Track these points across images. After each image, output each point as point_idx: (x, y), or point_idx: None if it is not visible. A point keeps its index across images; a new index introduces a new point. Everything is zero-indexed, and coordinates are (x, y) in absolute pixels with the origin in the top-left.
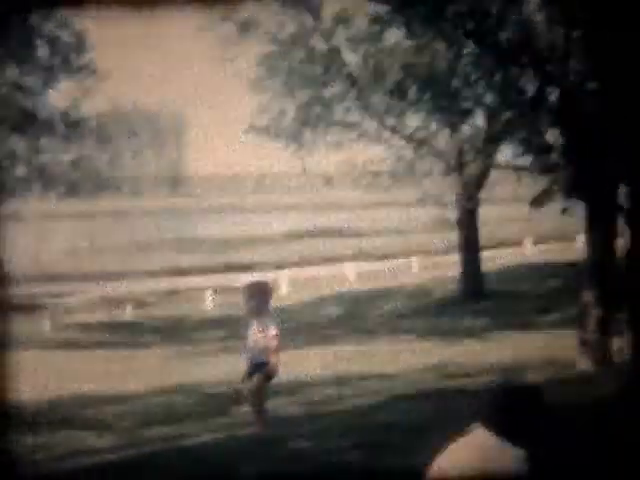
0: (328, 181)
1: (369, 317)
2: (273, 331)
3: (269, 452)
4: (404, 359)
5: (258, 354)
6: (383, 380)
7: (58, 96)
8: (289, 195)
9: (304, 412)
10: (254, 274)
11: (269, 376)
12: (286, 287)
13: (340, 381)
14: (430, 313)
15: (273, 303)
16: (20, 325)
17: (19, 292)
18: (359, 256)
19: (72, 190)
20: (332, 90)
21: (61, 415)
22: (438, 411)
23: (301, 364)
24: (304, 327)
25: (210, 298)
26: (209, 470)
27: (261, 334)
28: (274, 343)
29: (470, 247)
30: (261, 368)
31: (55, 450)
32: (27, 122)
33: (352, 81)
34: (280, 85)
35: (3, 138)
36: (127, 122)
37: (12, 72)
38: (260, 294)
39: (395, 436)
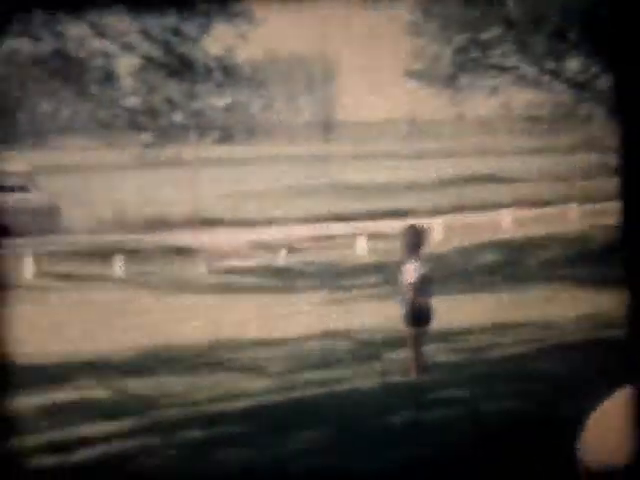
0: (483, 126)
1: (525, 264)
2: (409, 278)
3: (420, 399)
4: (560, 307)
5: (401, 298)
6: (539, 328)
7: (214, 42)
8: (443, 141)
9: (459, 359)
10: (408, 220)
11: (419, 322)
12: (441, 234)
13: (495, 328)
14: (589, 261)
15: (428, 249)
16: (177, 269)
17: (176, 236)
18: (515, 203)
19: (227, 136)
20: (489, 33)
21: (219, 358)
22: (592, 362)
23: (456, 311)
24: (459, 274)
25: (363, 244)
26: (360, 416)
27: (403, 277)
28: (407, 289)
29: None
30: (406, 313)
31: (214, 391)
32: (184, 68)
33: (510, 24)
34: (436, 29)
35: (161, 84)
36: (281, 68)
37: (171, 18)
38: (414, 238)
39: (549, 385)
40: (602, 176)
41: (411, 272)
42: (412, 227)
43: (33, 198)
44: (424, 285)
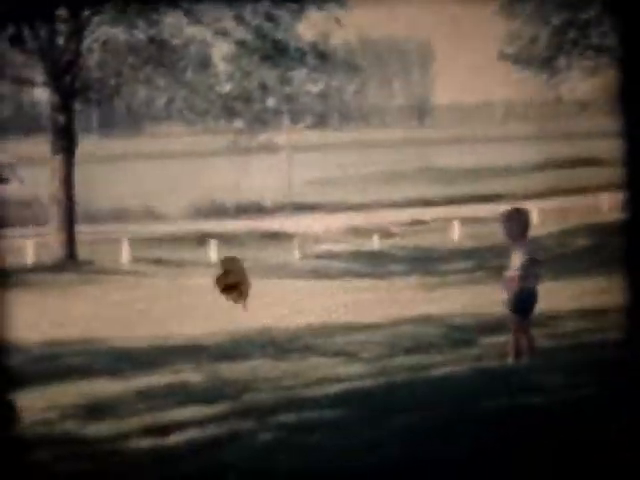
0: (583, 108)
1: (621, 249)
2: (516, 263)
3: (516, 385)
4: None
5: (506, 283)
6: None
7: (307, 27)
8: (539, 123)
9: (556, 345)
10: (502, 205)
11: (523, 308)
12: (536, 218)
13: (593, 314)
14: None
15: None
16: (270, 254)
17: (269, 221)
18: (614, 186)
19: (320, 121)
20: (588, 13)
21: (311, 342)
22: None
23: (553, 296)
24: (555, 258)
25: (457, 229)
26: (454, 401)
27: (511, 262)
28: (513, 275)
29: None
30: (511, 299)
31: (307, 376)
32: (278, 53)
33: (608, 3)
34: (532, 10)
35: (255, 70)
36: (375, 52)
37: (264, 4)
38: (518, 222)
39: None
40: None
41: (518, 257)
42: (516, 211)
43: (14, 189)
44: (530, 270)
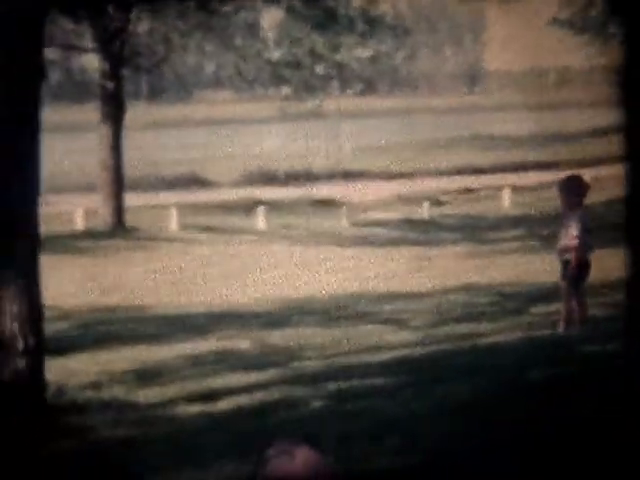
0: None
1: None
2: (574, 231)
3: (565, 354)
4: None
5: (563, 252)
6: None
7: None
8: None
9: (609, 314)
10: (553, 173)
11: (574, 276)
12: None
13: None
14: None
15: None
16: (319, 222)
17: (318, 189)
18: None
19: (369, 87)
20: None
21: (360, 310)
22: None
23: (606, 264)
24: (608, 227)
25: (507, 197)
26: (499, 370)
27: (565, 231)
28: (574, 243)
29: None
30: (566, 267)
31: (355, 343)
32: (327, 20)
33: None
34: None
35: (304, 36)
36: (425, 18)
37: None
38: (575, 189)
39: None
40: None
41: (575, 225)
42: (573, 178)
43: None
44: (585, 239)
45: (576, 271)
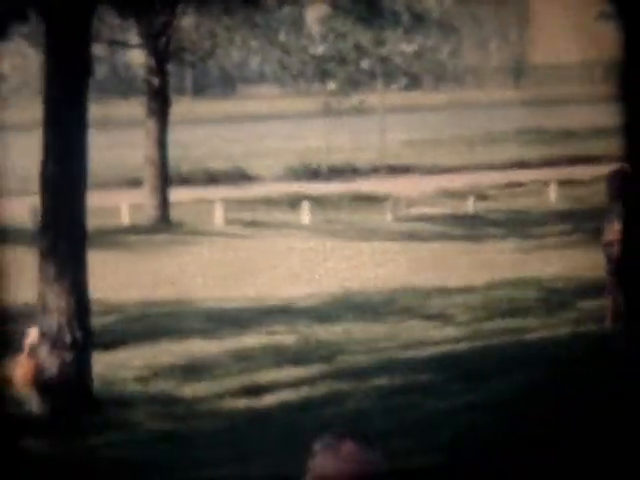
0: None
1: None
2: (617, 225)
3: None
4: None
5: (608, 246)
6: None
7: None
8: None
9: None
10: (600, 167)
11: (617, 269)
12: None
13: None
14: None
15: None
16: (363, 217)
17: (362, 184)
18: None
19: (414, 82)
20: None
21: (406, 305)
22: None
23: None
24: None
25: (554, 191)
26: (547, 365)
27: (610, 225)
28: (611, 237)
29: None
30: (611, 260)
31: (401, 339)
32: (372, 13)
33: None
34: None
35: (349, 31)
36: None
37: None
38: (617, 183)
39: None
40: None
41: (618, 219)
42: (618, 172)
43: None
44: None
45: (620, 265)
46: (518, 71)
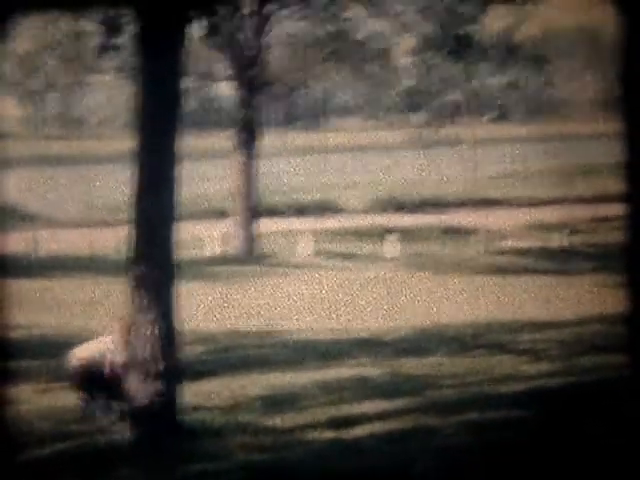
0: None
1: None
2: None
3: None
4: None
5: None
6: None
7: (493, 20)
8: None
9: None
10: None
11: None
12: None
13: None
14: None
15: None
16: (452, 249)
17: (452, 216)
18: None
19: (505, 114)
20: None
21: (496, 339)
22: None
23: None
24: None
25: None
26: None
27: None
28: None
29: None
30: None
31: (492, 373)
32: (462, 47)
33: None
34: None
35: (438, 64)
36: (564, 43)
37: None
38: None
39: None
40: None
41: None
42: None
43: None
44: None
45: None
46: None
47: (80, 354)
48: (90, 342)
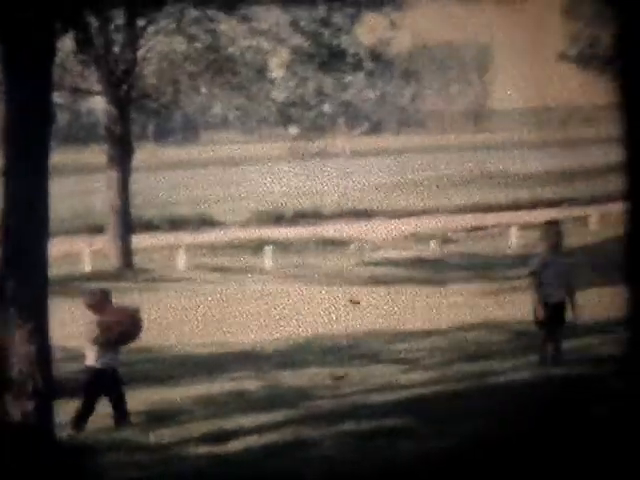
0: None
1: None
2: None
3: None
4: None
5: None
6: None
7: (365, 33)
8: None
9: (617, 352)
10: (562, 210)
11: (544, 318)
12: (596, 223)
13: None
14: None
15: (583, 240)
16: (328, 261)
17: (327, 228)
18: None
19: (377, 126)
20: None
21: (372, 349)
22: None
23: (613, 301)
24: (616, 264)
25: (515, 234)
26: (514, 408)
27: (551, 274)
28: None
29: None
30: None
31: (368, 383)
32: (334, 59)
33: None
34: (594, 11)
35: (311, 76)
36: (433, 57)
37: (320, 9)
38: (551, 234)
39: None
40: None
41: (532, 265)
42: (549, 223)
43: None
44: (553, 279)
45: (547, 314)
46: (479, 115)
47: None
48: None
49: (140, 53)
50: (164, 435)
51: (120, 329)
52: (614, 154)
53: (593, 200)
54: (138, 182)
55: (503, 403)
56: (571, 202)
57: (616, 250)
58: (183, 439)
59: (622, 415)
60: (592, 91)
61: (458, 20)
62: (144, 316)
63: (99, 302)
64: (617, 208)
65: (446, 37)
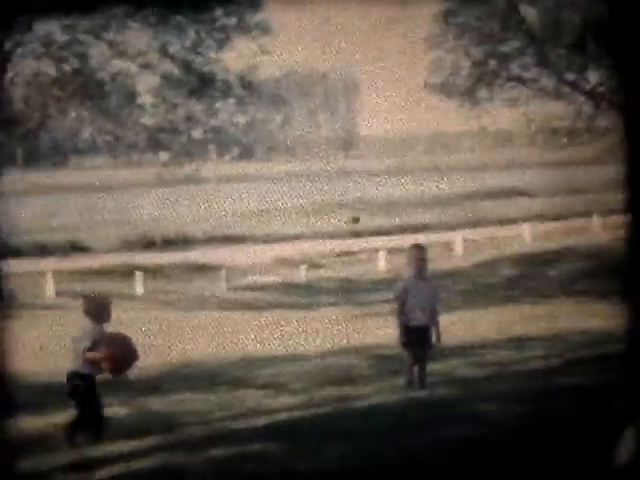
0: (504, 139)
1: (546, 278)
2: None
3: (445, 414)
4: (580, 321)
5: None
6: (560, 342)
7: (234, 58)
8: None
9: (480, 374)
10: (429, 235)
11: (407, 342)
12: (461, 248)
13: (516, 342)
14: (611, 274)
15: (448, 264)
16: (198, 286)
17: (197, 253)
18: (535, 216)
19: (246, 152)
20: (509, 46)
21: (239, 375)
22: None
23: (476, 325)
24: (480, 288)
25: (384, 260)
26: (379, 433)
27: (415, 298)
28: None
29: None
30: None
31: (236, 408)
32: (203, 85)
33: (530, 36)
34: (454, 42)
35: (181, 102)
36: (301, 84)
37: (189, 35)
38: (416, 258)
39: (570, 400)
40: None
41: (396, 290)
42: (414, 246)
43: None
44: (417, 303)
45: (402, 337)
46: (347, 142)
47: None
48: None
49: (8, 77)
50: (26, 465)
51: (117, 359)
52: (479, 181)
53: (458, 225)
54: (4, 207)
55: (370, 425)
56: (436, 227)
57: (480, 274)
58: (50, 467)
59: (488, 437)
60: (455, 119)
61: (326, 48)
62: (8, 344)
63: (99, 310)
64: (479, 233)
65: (315, 65)
